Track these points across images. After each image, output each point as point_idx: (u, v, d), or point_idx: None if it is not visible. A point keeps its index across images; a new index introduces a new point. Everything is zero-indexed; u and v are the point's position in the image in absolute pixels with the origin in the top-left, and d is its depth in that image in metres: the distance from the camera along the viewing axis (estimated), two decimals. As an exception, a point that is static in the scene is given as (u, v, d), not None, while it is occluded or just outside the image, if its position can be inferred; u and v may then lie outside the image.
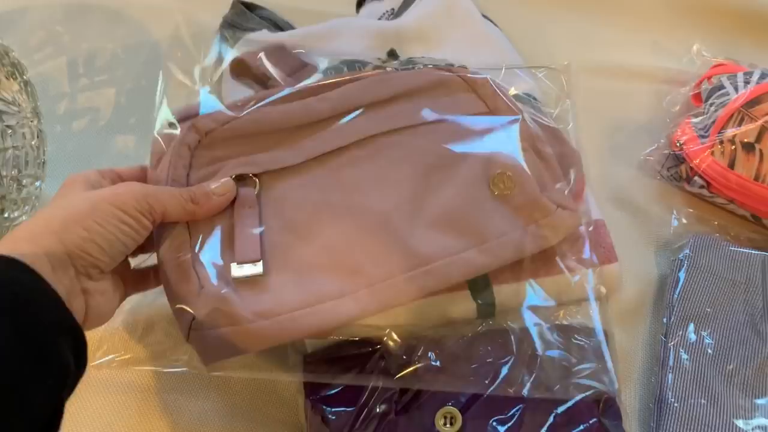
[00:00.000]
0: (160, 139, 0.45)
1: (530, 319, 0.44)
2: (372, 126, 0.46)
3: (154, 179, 0.44)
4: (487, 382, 0.42)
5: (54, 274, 0.34)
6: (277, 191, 0.44)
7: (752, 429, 0.42)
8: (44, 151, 0.47)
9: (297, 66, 0.52)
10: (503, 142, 0.46)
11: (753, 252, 0.50)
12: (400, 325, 0.44)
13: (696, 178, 0.54)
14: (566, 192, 0.46)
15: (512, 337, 0.44)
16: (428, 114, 0.47)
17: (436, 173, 0.45)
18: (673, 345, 0.46)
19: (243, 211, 0.43)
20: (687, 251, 0.50)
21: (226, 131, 0.45)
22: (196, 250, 0.42)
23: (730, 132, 0.53)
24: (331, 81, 0.47)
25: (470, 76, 0.49)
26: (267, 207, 0.44)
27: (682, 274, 0.49)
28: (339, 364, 0.43)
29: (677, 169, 0.55)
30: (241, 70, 0.53)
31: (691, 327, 0.47)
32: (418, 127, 0.46)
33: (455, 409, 0.41)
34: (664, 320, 0.48)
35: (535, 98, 0.54)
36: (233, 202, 0.43)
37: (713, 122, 0.54)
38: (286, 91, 0.47)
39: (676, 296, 0.48)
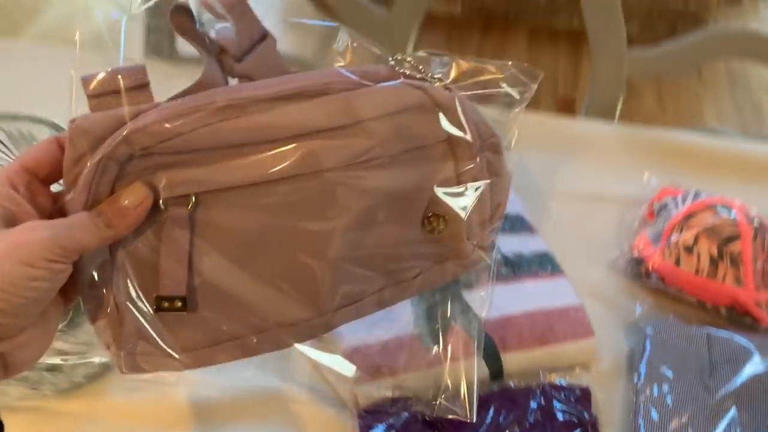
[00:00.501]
0: (76, 137, 0.37)
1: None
2: (329, 158, 0.41)
3: (75, 191, 0.38)
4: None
5: None
6: (211, 214, 0.40)
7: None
8: None
9: (257, 36, 0.44)
10: (446, 179, 0.45)
11: (700, 328, 0.65)
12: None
13: (653, 274, 0.69)
14: (488, 231, 0.47)
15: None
16: (391, 147, 0.43)
17: (380, 213, 0.43)
18: (642, 401, 0.60)
19: (172, 234, 0.39)
20: (650, 329, 0.65)
21: (165, 147, 0.38)
22: (111, 281, 0.39)
23: (674, 239, 0.69)
24: (290, 88, 0.41)
25: (442, 96, 0.44)
26: (198, 231, 0.40)
27: (647, 346, 0.63)
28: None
29: (638, 269, 0.71)
30: (185, 26, 0.43)
31: (655, 386, 0.60)
32: (373, 161, 0.42)
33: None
34: (635, 382, 0.61)
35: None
36: (161, 221, 0.39)
37: (662, 232, 0.71)
38: (241, 98, 0.40)
39: (643, 363, 0.62)
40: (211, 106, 0.39)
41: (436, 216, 0.45)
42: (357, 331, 0.57)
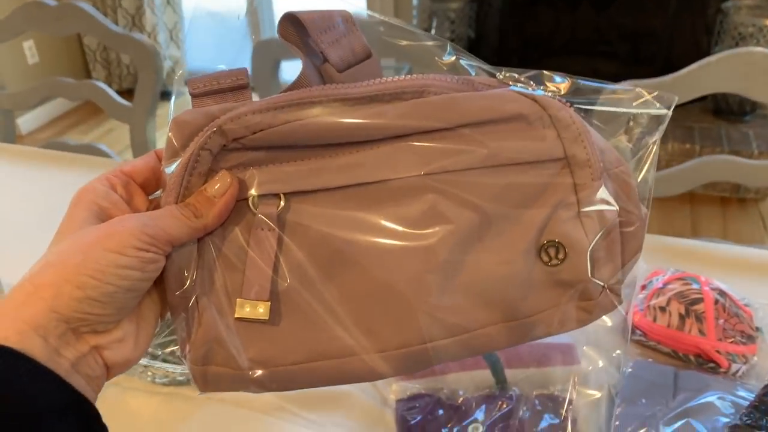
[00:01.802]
0: (173, 132, 0.38)
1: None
2: (426, 161, 0.39)
3: (167, 189, 0.38)
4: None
5: (48, 350, 0.32)
6: (302, 216, 0.39)
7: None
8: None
9: (361, 54, 0.42)
10: (564, 205, 0.40)
11: (670, 367, 0.83)
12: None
13: (637, 330, 0.88)
14: (616, 271, 0.42)
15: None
16: (494, 156, 0.39)
17: (484, 231, 0.39)
18: (623, 412, 0.77)
19: (259, 234, 0.38)
20: (630, 367, 0.83)
21: (257, 140, 0.38)
22: (195, 279, 0.39)
23: (653, 302, 0.89)
24: (386, 90, 0.39)
25: (554, 105, 0.40)
26: (288, 233, 0.39)
27: (628, 377, 0.82)
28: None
29: (627, 327, 0.90)
30: (290, 34, 0.42)
31: (629, 406, 0.78)
32: (478, 170, 0.39)
33: None
34: (616, 401, 0.79)
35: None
36: (250, 220, 0.38)
37: (645, 298, 0.91)
38: (336, 94, 0.39)
39: (621, 390, 0.80)
40: (306, 100, 0.38)
41: (552, 243, 0.40)
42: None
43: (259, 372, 0.39)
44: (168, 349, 0.79)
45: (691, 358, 0.85)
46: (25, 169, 1.29)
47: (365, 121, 0.38)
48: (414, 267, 0.38)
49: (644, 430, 0.74)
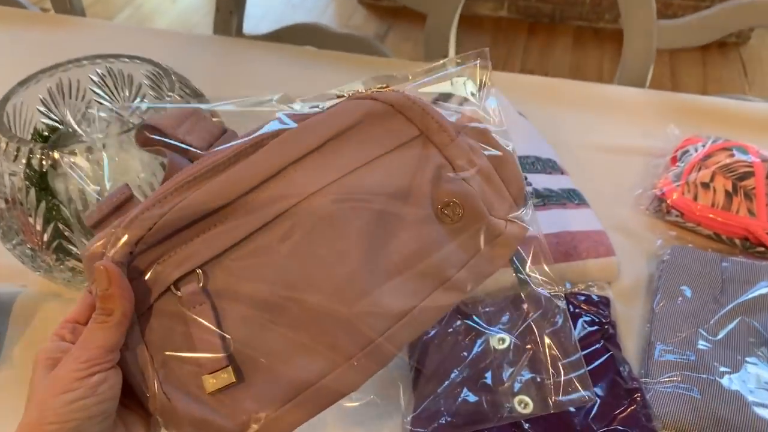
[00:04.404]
0: (87, 266, 0.40)
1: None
2: (312, 181, 0.42)
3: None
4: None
5: None
6: (225, 278, 0.40)
7: (710, 353, 0.62)
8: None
9: (217, 132, 0.45)
10: (441, 167, 0.44)
11: (714, 254, 0.71)
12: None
13: (673, 210, 0.76)
14: (509, 201, 0.46)
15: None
16: (364, 153, 0.43)
17: (387, 219, 0.43)
18: (659, 312, 0.67)
19: (193, 311, 0.40)
20: (668, 254, 0.72)
21: (156, 233, 0.40)
22: (158, 373, 0.40)
23: (692, 177, 0.76)
24: (247, 144, 0.42)
25: (392, 96, 0.44)
26: (218, 299, 0.40)
27: (665, 267, 0.70)
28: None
29: (660, 206, 0.78)
30: (148, 139, 0.44)
31: (671, 301, 0.67)
32: (357, 170, 0.43)
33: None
34: (653, 297, 0.68)
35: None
36: (179, 305, 0.40)
37: (682, 173, 0.77)
38: (205, 166, 0.41)
39: (661, 281, 0.69)
40: (182, 182, 0.41)
41: (446, 204, 0.44)
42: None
43: (254, 427, 0.40)
44: None
45: (737, 241, 0.73)
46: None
47: (241, 173, 0.41)
48: (335, 280, 0.41)
49: (692, 332, 0.64)
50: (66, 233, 0.58)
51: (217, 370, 0.39)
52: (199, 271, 0.40)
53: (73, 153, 0.57)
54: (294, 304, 0.40)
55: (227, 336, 0.40)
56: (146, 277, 0.40)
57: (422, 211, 0.44)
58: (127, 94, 0.73)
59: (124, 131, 0.58)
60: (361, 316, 0.41)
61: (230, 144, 0.43)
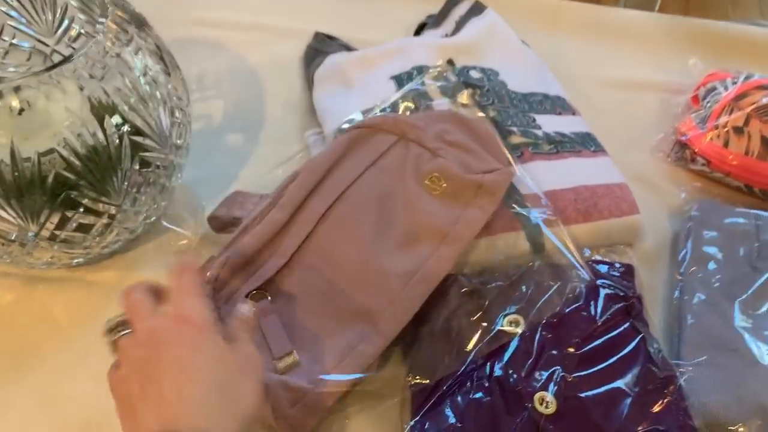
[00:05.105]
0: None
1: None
2: (323, 203, 0.55)
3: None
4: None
5: None
6: (283, 291, 0.53)
7: (751, 331, 0.53)
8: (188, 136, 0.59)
9: (255, 200, 0.58)
10: (420, 154, 0.56)
11: (747, 210, 0.62)
12: (472, 262, 0.56)
13: (698, 158, 0.66)
14: (488, 159, 0.56)
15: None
16: (358, 166, 0.57)
17: (385, 206, 0.54)
18: (688, 280, 0.58)
19: (265, 319, 0.51)
20: (695, 211, 0.62)
21: (227, 269, 0.52)
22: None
23: (723, 120, 0.66)
24: (278, 190, 0.56)
25: (370, 119, 0.59)
26: (282, 306, 0.52)
27: (692, 226, 0.61)
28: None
29: (682, 153, 0.68)
30: (220, 225, 0.58)
31: (701, 266, 0.58)
32: (357, 181, 0.56)
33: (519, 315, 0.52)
34: (680, 260, 0.59)
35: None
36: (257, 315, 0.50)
37: (709, 115, 0.67)
38: (251, 216, 0.55)
39: (688, 243, 0.60)
40: (236, 233, 0.55)
41: (430, 179, 0.55)
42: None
43: (321, 386, 0.47)
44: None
45: (772, 194, 0.64)
46: None
47: (274, 217, 0.55)
48: (362, 255, 0.53)
49: (728, 305, 0.55)
50: (-28, 201, 0.45)
51: (284, 356, 0.49)
52: (265, 292, 0.52)
53: (-26, 98, 0.44)
54: (330, 289, 0.52)
55: (289, 329, 0.51)
56: (229, 302, 0.52)
57: (413, 191, 0.55)
58: (50, 17, 0.59)
59: (48, 68, 0.45)
60: (378, 281, 0.51)
61: (267, 199, 0.57)
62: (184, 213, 0.60)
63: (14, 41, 0.59)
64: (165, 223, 0.59)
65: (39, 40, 0.60)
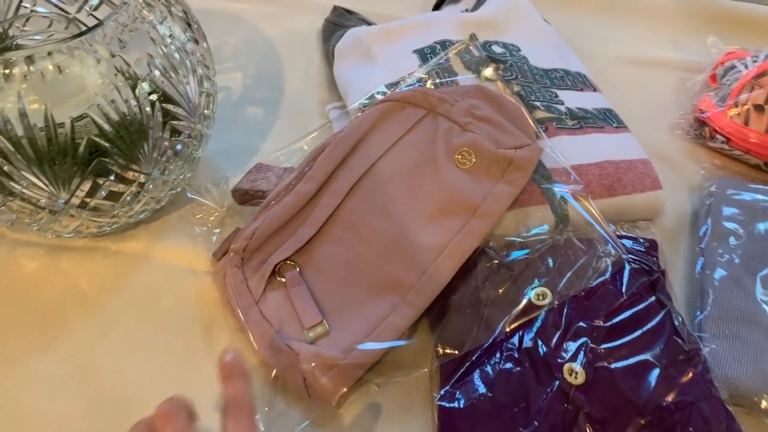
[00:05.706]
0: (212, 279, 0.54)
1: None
2: (352, 175, 0.55)
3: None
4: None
5: None
6: (312, 262, 0.53)
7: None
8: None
9: (279, 173, 0.58)
10: (450, 129, 0.56)
11: (766, 187, 0.63)
12: (498, 235, 0.56)
13: (717, 136, 0.67)
14: (517, 134, 0.55)
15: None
16: (387, 140, 0.57)
17: (415, 179, 0.54)
18: (709, 257, 0.58)
19: (294, 290, 0.51)
20: (715, 187, 0.63)
21: (256, 240, 0.52)
22: (278, 332, 0.49)
23: (743, 97, 0.66)
24: (305, 162, 0.56)
25: (399, 93, 0.59)
26: (311, 277, 0.52)
27: (713, 202, 0.61)
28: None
29: (701, 131, 0.68)
30: (243, 197, 0.58)
31: (722, 242, 0.59)
32: (386, 154, 0.56)
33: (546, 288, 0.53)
34: (701, 236, 0.60)
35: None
36: (286, 286, 0.51)
37: (729, 93, 0.67)
38: (278, 188, 0.55)
39: (708, 219, 0.60)
40: (264, 204, 0.55)
41: (460, 153, 0.55)
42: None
43: (351, 354, 0.47)
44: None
45: (790, 172, 0.65)
46: None
47: (303, 188, 0.55)
48: (393, 228, 0.53)
49: (750, 281, 0.56)
50: (5, 167, 0.45)
51: (315, 325, 0.49)
52: (293, 262, 0.53)
53: (8, 63, 0.43)
54: (360, 261, 0.52)
55: (318, 299, 0.51)
56: (258, 272, 0.52)
57: (444, 165, 0.55)
58: (71, -18, 0.59)
59: (79, 33, 0.44)
60: (408, 254, 0.51)
61: (292, 171, 0.58)
62: (208, 184, 0.60)
63: (36, 8, 0.58)
64: (189, 194, 0.59)
65: (60, 8, 0.59)
